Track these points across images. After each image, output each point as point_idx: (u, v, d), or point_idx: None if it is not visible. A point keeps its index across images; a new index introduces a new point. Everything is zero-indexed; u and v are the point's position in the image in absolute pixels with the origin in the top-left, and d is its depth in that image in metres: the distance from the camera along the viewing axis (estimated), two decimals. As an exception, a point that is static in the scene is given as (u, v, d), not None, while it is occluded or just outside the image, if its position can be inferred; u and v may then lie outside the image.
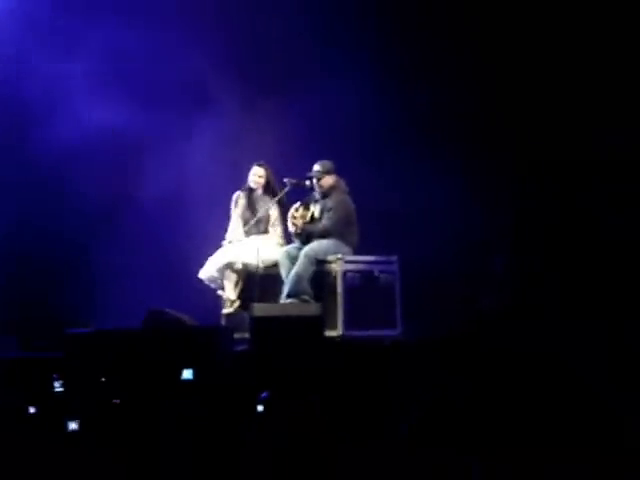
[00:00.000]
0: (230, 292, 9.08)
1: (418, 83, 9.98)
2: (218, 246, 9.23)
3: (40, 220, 10.08)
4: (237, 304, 9.06)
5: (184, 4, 10.28)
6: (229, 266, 9.07)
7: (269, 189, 9.28)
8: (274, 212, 9.27)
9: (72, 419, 6.68)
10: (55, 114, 10.06)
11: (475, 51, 9.85)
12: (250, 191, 9.34)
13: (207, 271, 9.12)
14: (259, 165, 9.30)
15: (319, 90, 10.00)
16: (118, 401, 6.83)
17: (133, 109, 10.00)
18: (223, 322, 9.05)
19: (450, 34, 9.88)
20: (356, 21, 10.14)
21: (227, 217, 9.38)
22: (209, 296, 9.21)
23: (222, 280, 9.10)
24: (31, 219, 10.09)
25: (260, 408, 6.54)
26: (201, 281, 9.16)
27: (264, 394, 6.59)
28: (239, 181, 9.39)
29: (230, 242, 9.23)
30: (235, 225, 9.33)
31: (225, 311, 9.08)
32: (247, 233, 9.26)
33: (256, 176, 9.28)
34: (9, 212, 10.06)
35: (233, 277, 9.09)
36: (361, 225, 9.04)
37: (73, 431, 6.64)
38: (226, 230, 9.34)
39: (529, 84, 9.67)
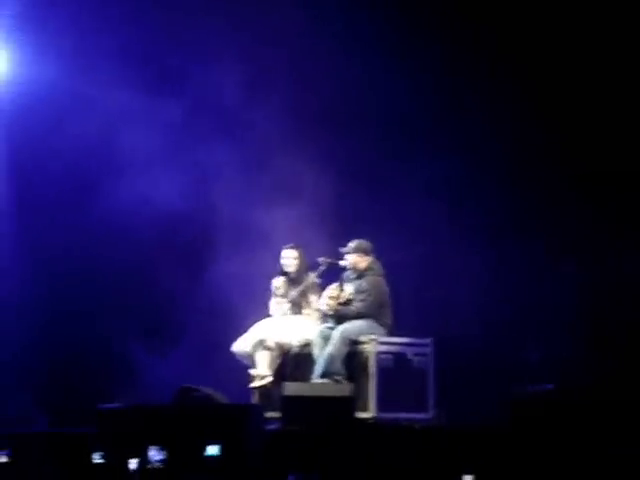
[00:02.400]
0: (262, 368, 9.07)
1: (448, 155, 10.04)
2: (254, 323, 9.27)
3: (70, 296, 10.16)
4: (268, 380, 9.04)
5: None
6: (262, 343, 9.08)
7: (303, 269, 9.32)
8: (312, 290, 9.29)
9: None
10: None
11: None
12: (284, 274, 9.38)
13: (240, 345, 9.13)
14: (290, 247, 9.35)
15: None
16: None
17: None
18: (254, 400, 9.04)
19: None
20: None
21: (267, 299, 9.43)
22: (244, 372, 9.23)
23: (254, 357, 9.11)
24: (62, 295, 10.18)
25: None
26: (234, 356, 9.18)
27: (291, 478, 6.55)
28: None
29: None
30: (274, 309, 9.36)
31: (254, 385, 9.06)
32: (285, 314, 9.28)
33: (290, 258, 9.33)
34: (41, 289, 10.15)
35: (266, 354, 9.09)
36: (396, 306, 9.03)
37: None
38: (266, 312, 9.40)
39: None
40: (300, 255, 9.33)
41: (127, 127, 10.18)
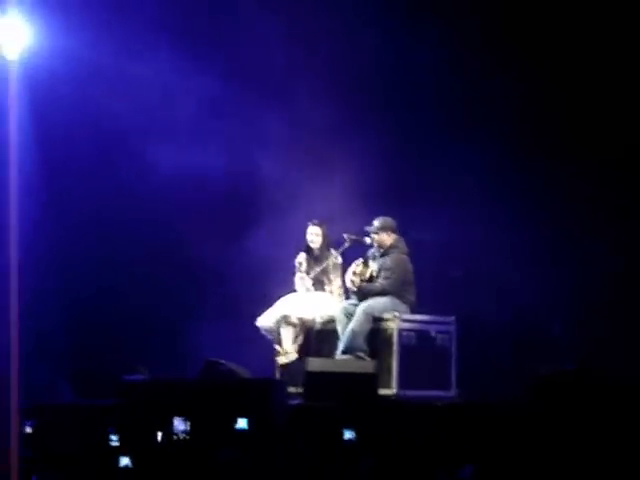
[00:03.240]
0: (287, 344, 9.12)
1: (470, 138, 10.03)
2: (279, 298, 9.31)
3: (99, 264, 10.20)
4: (292, 356, 9.09)
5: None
6: (285, 319, 9.12)
7: (327, 246, 9.34)
8: (332, 269, 9.31)
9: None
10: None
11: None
12: (309, 250, 9.40)
13: (264, 320, 9.18)
14: (314, 224, 9.36)
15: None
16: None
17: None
18: (278, 374, 9.09)
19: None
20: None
21: (292, 274, 9.45)
22: (269, 347, 9.27)
23: (278, 332, 9.15)
24: (92, 264, 10.22)
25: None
26: (258, 330, 9.23)
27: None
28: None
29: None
30: (299, 284, 9.39)
31: (280, 361, 9.11)
32: (308, 290, 9.32)
33: (313, 235, 9.34)
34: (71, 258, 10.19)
35: (290, 330, 9.13)
36: (419, 284, 9.04)
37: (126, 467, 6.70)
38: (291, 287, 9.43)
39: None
40: (324, 232, 9.34)
41: (156, 96, 10.17)
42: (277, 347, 9.16)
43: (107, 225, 10.29)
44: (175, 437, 6.85)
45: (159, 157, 10.03)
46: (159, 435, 6.85)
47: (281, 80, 10.36)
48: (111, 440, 6.88)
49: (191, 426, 6.90)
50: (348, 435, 6.89)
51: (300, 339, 9.16)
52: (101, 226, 10.29)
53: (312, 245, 9.37)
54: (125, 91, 10.04)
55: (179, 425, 6.90)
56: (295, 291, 9.36)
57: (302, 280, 9.32)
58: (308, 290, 9.29)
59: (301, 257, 9.41)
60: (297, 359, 9.03)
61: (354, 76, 10.19)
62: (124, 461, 6.63)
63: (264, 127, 10.26)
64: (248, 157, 10.28)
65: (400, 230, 9.07)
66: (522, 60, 9.86)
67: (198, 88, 10.15)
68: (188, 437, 6.84)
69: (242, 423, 6.93)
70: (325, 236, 9.34)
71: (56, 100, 9.96)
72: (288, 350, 9.12)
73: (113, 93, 10.02)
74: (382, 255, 9.04)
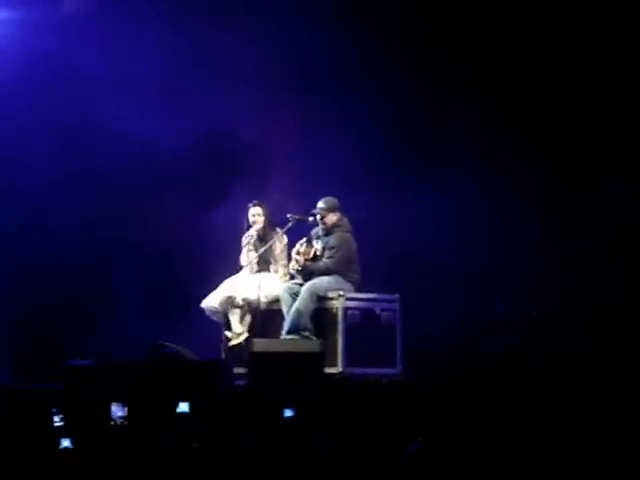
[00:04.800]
0: (236, 325, 9.12)
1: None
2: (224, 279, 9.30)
3: (41, 246, 10.04)
4: (244, 336, 9.09)
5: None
6: (230, 300, 9.12)
7: (270, 226, 9.34)
8: (277, 248, 9.32)
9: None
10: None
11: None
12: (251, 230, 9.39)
13: (208, 302, 9.18)
14: (255, 204, 9.35)
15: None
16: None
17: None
18: (224, 356, 9.09)
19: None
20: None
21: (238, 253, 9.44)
22: (216, 329, 9.25)
23: (224, 314, 9.15)
24: (33, 243, 10.06)
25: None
26: (203, 312, 9.22)
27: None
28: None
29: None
30: (244, 258, 9.39)
31: (232, 343, 9.11)
32: (252, 271, 9.31)
33: (256, 215, 9.34)
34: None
35: (237, 311, 9.13)
36: (364, 263, 9.07)
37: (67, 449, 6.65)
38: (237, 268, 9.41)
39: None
40: (265, 212, 9.33)
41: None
42: (227, 332, 9.17)
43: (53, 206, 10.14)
44: (113, 423, 6.83)
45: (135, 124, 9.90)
46: (99, 419, 6.83)
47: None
48: (53, 422, 6.83)
49: (130, 411, 6.88)
50: (289, 414, 6.90)
51: (247, 320, 9.17)
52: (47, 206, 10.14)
53: (254, 226, 9.36)
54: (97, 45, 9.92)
55: (117, 411, 6.87)
56: (241, 268, 9.35)
57: (248, 257, 9.31)
58: (252, 265, 9.28)
59: (246, 236, 9.40)
60: (246, 339, 9.05)
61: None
62: (65, 443, 6.59)
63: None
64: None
65: (343, 209, 9.10)
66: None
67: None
68: (126, 422, 6.82)
69: (183, 406, 6.92)
70: (267, 216, 9.34)
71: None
72: (238, 331, 9.13)
73: (84, 46, 9.89)
74: (326, 234, 9.07)
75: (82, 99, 10.04)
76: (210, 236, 10.12)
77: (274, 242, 9.26)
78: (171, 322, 9.60)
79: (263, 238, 9.33)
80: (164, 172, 10.26)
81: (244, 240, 9.41)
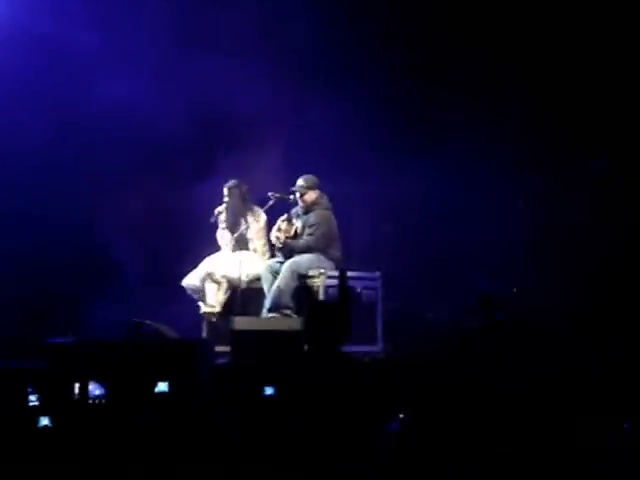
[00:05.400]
0: (210, 298, 9.08)
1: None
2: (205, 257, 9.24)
3: (18, 220, 9.93)
4: (216, 309, 9.04)
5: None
6: (210, 276, 9.08)
7: (247, 204, 9.26)
8: (257, 226, 9.27)
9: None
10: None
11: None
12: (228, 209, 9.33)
13: (189, 279, 9.13)
14: (227, 184, 9.28)
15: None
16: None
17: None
18: (205, 334, 9.05)
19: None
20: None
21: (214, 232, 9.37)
22: (195, 307, 9.21)
23: (203, 292, 9.11)
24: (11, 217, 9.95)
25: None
26: (185, 291, 9.16)
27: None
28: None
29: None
30: (220, 239, 9.33)
31: (202, 310, 9.10)
32: (232, 249, 9.26)
33: (226, 196, 9.28)
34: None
35: (214, 287, 9.10)
36: (345, 241, 9.04)
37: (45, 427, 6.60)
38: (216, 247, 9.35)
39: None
40: (241, 192, 9.25)
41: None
42: (202, 308, 9.13)
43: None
44: (90, 402, 6.77)
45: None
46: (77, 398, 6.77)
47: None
48: (30, 401, 6.77)
49: (109, 390, 6.82)
50: (269, 392, 6.86)
51: (225, 296, 9.12)
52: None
53: (224, 205, 9.28)
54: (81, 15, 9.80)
55: (94, 390, 6.81)
56: (220, 249, 9.31)
57: (222, 233, 9.26)
58: (227, 245, 9.23)
59: (220, 212, 9.32)
60: (224, 317, 9.00)
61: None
62: (44, 421, 6.54)
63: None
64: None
65: (322, 187, 9.06)
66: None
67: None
68: (104, 401, 6.77)
69: (162, 386, 6.87)
70: (242, 195, 9.26)
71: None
72: (211, 303, 9.08)
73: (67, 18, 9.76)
74: (306, 212, 9.03)
75: (72, 72, 9.91)
76: (191, 213, 10.04)
77: (253, 221, 9.21)
78: (155, 302, 9.53)
79: (237, 218, 9.24)
80: (152, 147, 10.15)
81: (218, 218, 9.33)
